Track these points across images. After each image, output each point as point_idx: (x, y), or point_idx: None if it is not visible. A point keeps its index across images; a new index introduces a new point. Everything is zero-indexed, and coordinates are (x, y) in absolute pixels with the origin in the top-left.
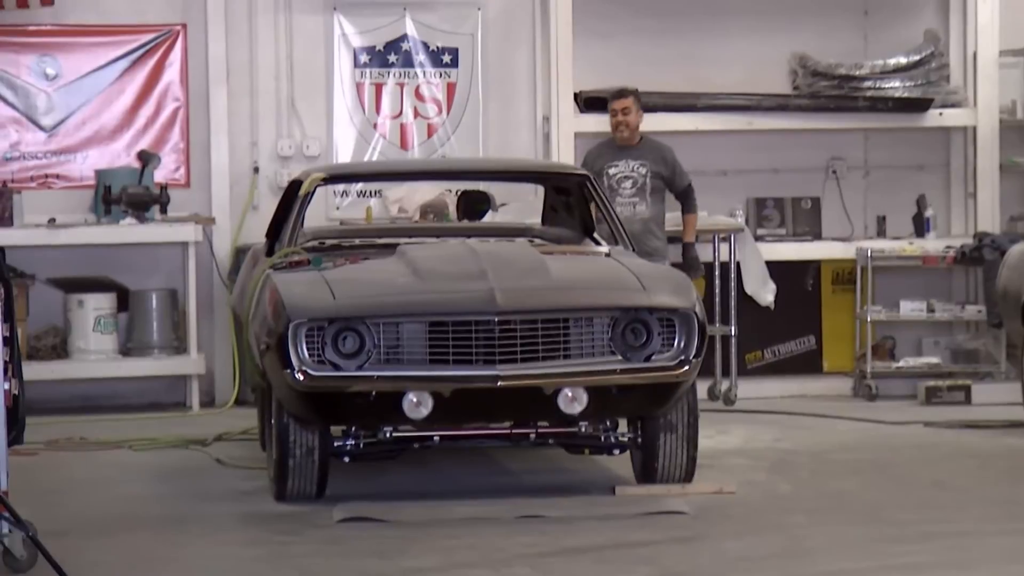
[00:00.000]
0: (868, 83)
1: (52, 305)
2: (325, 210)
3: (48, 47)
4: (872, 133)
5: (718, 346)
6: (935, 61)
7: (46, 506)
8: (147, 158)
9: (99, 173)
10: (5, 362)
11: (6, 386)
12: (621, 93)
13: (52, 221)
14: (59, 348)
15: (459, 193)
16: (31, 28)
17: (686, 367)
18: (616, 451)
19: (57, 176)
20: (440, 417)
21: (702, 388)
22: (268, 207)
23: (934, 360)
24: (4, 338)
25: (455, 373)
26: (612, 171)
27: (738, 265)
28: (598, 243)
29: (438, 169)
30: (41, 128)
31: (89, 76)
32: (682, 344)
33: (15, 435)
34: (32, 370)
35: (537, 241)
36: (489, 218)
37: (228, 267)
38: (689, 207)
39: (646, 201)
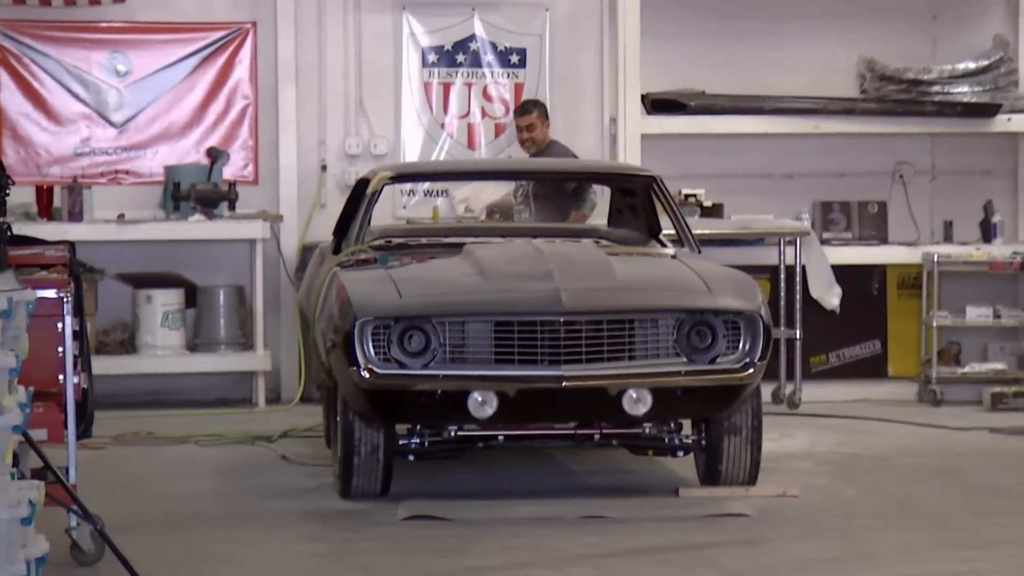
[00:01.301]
0: (936, 88)
1: (120, 300)
2: (392, 209)
3: (119, 44)
4: (939, 138)
5: (783, 349)
6: (1004, 67)
7: (112, 500)
8: (216, 155)
9: (168, 169)
10: (75, 356)
11: (75, 380)
12: (524, 109)
13: (121, 217)
14: (127, 343)
15: None
16: (103, 25)
17: (751, 370)
18: (680, 453)
19: (127, 172)
20: (504, 417)
21: (766, 391)
22: (335, 205)
23: (1000, 366)
24: (74, 332)
25: (520, 373)
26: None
27: (804, 268)
28: (664, 244)
29: (505, 169)
30: (111, 124)
31: (159, 73)
32: (747, 347)
33: (83, 429)
34: (100, 364)
35: (603, 242)
36: None
37: (295, 264)
38: (577, 207)
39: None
